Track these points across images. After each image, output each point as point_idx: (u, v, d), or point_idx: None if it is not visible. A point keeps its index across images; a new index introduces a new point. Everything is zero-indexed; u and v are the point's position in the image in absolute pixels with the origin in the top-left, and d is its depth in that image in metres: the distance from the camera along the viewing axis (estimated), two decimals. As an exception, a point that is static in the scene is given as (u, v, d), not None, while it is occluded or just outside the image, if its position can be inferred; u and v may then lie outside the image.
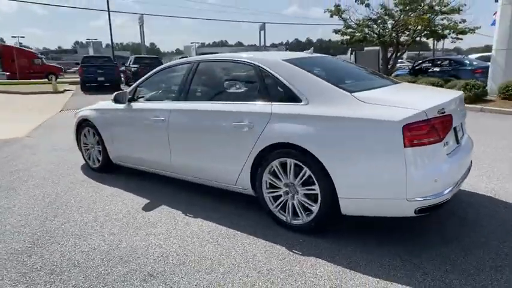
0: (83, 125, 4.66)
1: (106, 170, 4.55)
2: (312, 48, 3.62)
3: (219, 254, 2.56)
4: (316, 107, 2.60)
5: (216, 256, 2.53)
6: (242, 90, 3.20)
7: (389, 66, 14.10)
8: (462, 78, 11.28)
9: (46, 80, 22.77)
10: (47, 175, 4.57)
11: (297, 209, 2.76)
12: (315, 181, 2.59)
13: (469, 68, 12.24)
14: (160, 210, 3.37)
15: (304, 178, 2.66)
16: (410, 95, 3.01)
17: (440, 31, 13.30)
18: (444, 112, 2.42)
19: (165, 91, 4.04)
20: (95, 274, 2.36)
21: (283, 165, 2.77)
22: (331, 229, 2.78)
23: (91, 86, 17.67)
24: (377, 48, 21.38)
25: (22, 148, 6.09)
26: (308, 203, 2.69)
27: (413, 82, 9.44)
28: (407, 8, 12.76)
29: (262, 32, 59.16)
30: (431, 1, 12.57)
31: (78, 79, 18.67)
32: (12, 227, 3.12)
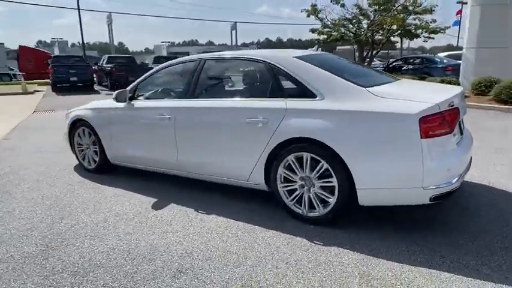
0: (77, 125, 4.53)
1: (102, 170, 4.45)
2: (316, 46, 3.72)
3: (243, 248, 2.60)
4: (332, 102, 2.69)
5: (240, 250, 2.57)
6: (254, 87, 3.25)
7: (365, 64, 14.57)
8: (434, 76, 11.85)
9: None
10: (40, 177, 4.41)
11: (314, 202, 2.84)
12: (333, 174, 2.68)
13: (440, 65, 12.88)
14: (171, 208, 3.36)
15: (321, 171, 2.75)
16: (419, 89, 3.17)
17: (413, 31, 13.90)
18: (453, 105, 2.58)
19: (169, 89, 4.01)
20: (122, 273, 2.34)
21: (299, 159, 2.85)
22: (347, 220, 2.88)
23: (63, 86, 17.03)
24: (349, 47, 21.97)
25: (3, 151, 5.82)
26: (325, 195, 2.78)
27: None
28: (382, 8, 13.23)
29: (233, 32, 59.14)
30: (405, 1, 13.12)
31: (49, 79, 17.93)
32: (18, 231, 3.00)
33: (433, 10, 12.97)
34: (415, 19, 13.75)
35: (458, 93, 2.79)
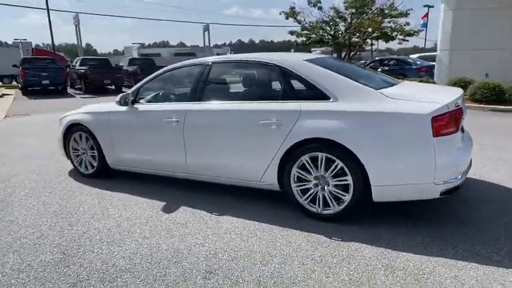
0: (73, 129, 4.42)
1: (100, 175, 4.38)
2: (320, 49, 3.84)
3: (265, 247, 2.66)
4: (346, 104, 2.82)
5: (263, 249, 2.64)
6: (265, 90, 3.32)
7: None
8: (409, 77, 12.38)
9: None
10: (35, 185, 4.27)
11: (328, 200, 2.95)
12: (348, 172, 2.80)
13: (415, 67, 13.48)
14: (183, 211, 3.37)
15: (336, 170, 2.86)
16: (424, 91, 3.36)
17: (389, 33, 14.46)
18: (458, 105, 2.78)
19: (175, 92, 4.00)
20: (151, 277, 2.35)
21: (313, 159, 2.95)
22: (360, 216, 3.01)
23: (34, 90, 16.34)
24: (323, 49, 22.46)
25: (-13, 158, 5.56)
26: (340, 193, 2.90)
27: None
28: (359, 11, 13.67)
29: (206, 33, 58.76)
30: (382, 5, 13.67)
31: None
32: (28, 239, 2.92)
33: (408, 14, 13.61)
34: (389, 22, 14.32)
35: (461, 94, 2.99)
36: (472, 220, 2.96)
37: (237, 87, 3.54)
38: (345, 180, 2.84)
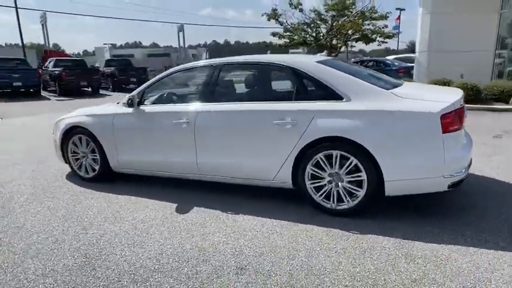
0: (72, 132, 4.33)
1: (101, 179, 4.32)
2: (325, 52, 3.98)
3: (288, 242, 2.76)
4: (360, 103, 2.96)
5: (287, 244, 2.73)
6: (278, 91, 3.41)
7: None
8: (387, 78, 12.85)
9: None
10: (33, 190, 4.16)
11: (342, 195, 3.09)
12: (362, 169, 2.95)
13: (394, 68, 14.03)
14: (197, 211, 3.40)
15: (350, 167, 3.00)
16: (430, 91, 3.57)
17: (370, 35, 14.97)
18: (462, 105, 2.99)
19: (183, 94, 4.02)
20: (183, 275, 2.38)
21: (327, 157, 3.08)
22: (372, 210, 3.17)
23: (4, 92, 15.59)
24: (300, 50, 22.85)
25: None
26: (354, 189, 3.04)
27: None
28: (340, 13, 14.08)
29: (181, 33, 58.12)
30: (362, 8, 14.15)
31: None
32: (43, 245, 2.86)
33: (388, 16, 14.15)
34: (368, 24, 14.83)
35: (462, 94, 3.22)
36: (473, 210, 3.19)
37: (249, 88, 3.61)
38: (359, 176, 2.99)
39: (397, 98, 2.94)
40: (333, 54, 15.60)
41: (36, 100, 14.92)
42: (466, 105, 3.26)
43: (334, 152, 3.02)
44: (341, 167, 3.04)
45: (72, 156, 4.43)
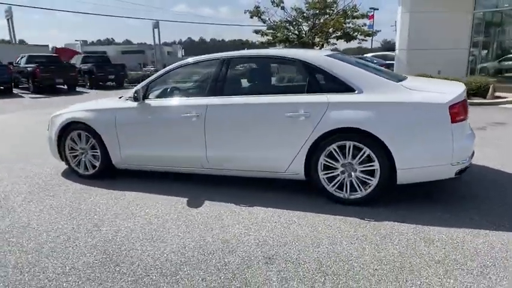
0: (71, 128, 4.19)
1: (102, 176, 4.21)
2: (333, 47, 4.05)
3: (309, 231, 2.81)
4: (372, 95, 3.05)
5: (308, 233, 2.78)
6: (290, 84, 3.45)
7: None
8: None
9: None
10: (29, 188, 4.00)
11: (355, 185, 3.17)
12: (375, 158, 3.04)
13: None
14: (210, 205, 3.38)
15: (363, 157, 3.09)
16: (435, 84, 3.70)
17: (351, 33, 15.29)
18: (465, 97, 3.14)
19: (192, 87, 3.98)
20: (213, 267, 2.38)
21: (340, 148, 3.15)
22: (384, 198, 3.27)
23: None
24: (280, 47, 23.04)
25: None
26: (367, 178, 3.13)
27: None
28: (322, 12, 14.30)
29: (156, 30, 56.91)
30: (344, 6, 14.44)
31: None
32: (55, 243, 2.77)
33: (368, 15, 14.47)
34: (349, 23, 15.16)
35: (465, 87, 3.37)
36: (477, 196, 3.37)
37: (260, 82, 3.62)
38: (372, 165, 3.08)
39: (407, 90, 3.05)
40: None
41: (8, 98, 14.22)
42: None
43: (348, 143, 3.10)
44: (354, 157, 3.12)
45: (70, 153, 4.28)
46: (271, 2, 14.40)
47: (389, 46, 39.80)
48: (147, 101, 3.83)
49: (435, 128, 2.94)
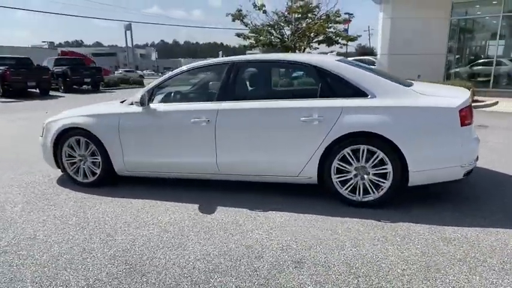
0: (69, 134, 4.03)
1: (102, 184, 4.08)
2: (335, 52, 4.14)
3: (330, 234, 2.84)
4: (385, 100, 3.14)
5: (329, 236, 2.81)
6: (302, 88, 3.48)
7: None
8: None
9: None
10: (25, 198, 3.81)
11: (368, 187, 3.25)
12: (388, 161, 3.13)
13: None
14: (222, 211, 3.35)
15: (376, 160, 3.17)
16: (442, 89, 3.85)
17: (334, 38, 15.61)
18: (470, 102, 3.30)
19: (198, 92, 3.92)
20: (243, 273, 2.36)
21: (353, 151, 3.22)
22: (395, 201, 3.36)
23: None
24: (257, 51, 23.18)
25: None
26: (380, 181, 3.21)
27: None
28: (304, 16, 14.52)
29: (128, 32, 55.67)
30: (327, 11, 14.72)
31: None
32: (71, 255, 2.66)
33: (350, 20, 14.88)
34: (330, 27, 15.48)
35: (470, 93, 3.54)
36: (480, 197, 3.54)
37: (272, 86, 3.63)
38: (385, 168, 3.16)
39: (418, 95, 3.17)
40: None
41: (-24, 102, 13.48)
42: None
43: (362, 147, 3.17)
44: (367, 160, 3.20)
45: (68, 160, 4.11)
46: (253, 5, 14.52)
47: (363, 51, 40.99)
48: (153, 106, 3.76)
49: (446, 131, 3.07)
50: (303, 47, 15.07)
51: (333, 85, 3.32)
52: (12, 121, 9.07)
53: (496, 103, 10.21)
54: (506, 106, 10.05)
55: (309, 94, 3.47)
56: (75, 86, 17.74)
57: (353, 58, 19.70)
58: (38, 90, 16.21)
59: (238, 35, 15.78)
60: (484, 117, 8.43)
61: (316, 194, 3.59)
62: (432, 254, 2.52)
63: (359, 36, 16.39)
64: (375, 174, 3.22)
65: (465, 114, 3.08)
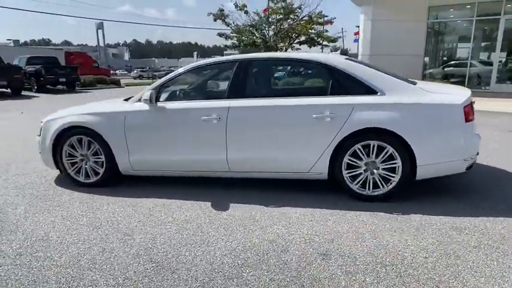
0: (71, 132, 3.91)
1: (105, 184, 3.99)
2: (339, 50, 4.24)
3: (348, 228, 2.93)
4: (395, 97, 3.27)
5: (348, 229, 2.90)
6: (313, 86, 3.55)
7: None
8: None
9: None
10: (26, 200, 3.68)
11: (378, 182, 3.37)
12: (397, 156, 3.26)
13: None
14: (237, 207, 3.37)
15: (386, 156, 3.29)
16: (445, 87, 4.02)
17: (316, 38, 15.86)
18: (471, 100, 3.49)
19: (207, 90, 3.90)
20: (274, 266, 2.40)
21: (364, 147, 3.33)
22: (401, 194, 3.50)
23: None
24: (236, 52, 23.24)
25: None
26: (389, 175, 3.34)
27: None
28: (286, 17, 14.68)
29: (100, 31, 54.05)
30: (310, 12, 14.93)
31: None
32: (92, 255, 2.60)
33: (333, 22, 15.19)
34: (312, 29, 15.73)
35: (470, 91, 3.73)
36: (479, 188, 3.75)
37: (282, 84, 3.68)
38: (394, 163, 3.29)
39: (424, 92, 3.32)
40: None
41: None
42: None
43: (372, 142, 3.29)
44: (377, 155, 3.32)
45: (69, 160, 3.99)
46: (235, 6, 14.53)
47: (342, 52, 41.84)
48: (160, 104, 3.72)
49: (452, 126, 3.23)
50: (284, 48, 15.25)
51: (344, 83, 3.42)
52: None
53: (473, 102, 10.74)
54: (479, 104, 10.60)
55: (320, 92, 3.55)
56: (49, 86, 17.05)
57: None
58: (9, 90, 15.46)
59: (220, 35, 15.75)
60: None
61: (325, 190, 3.68)
62: (448, 243, 2.66)
63: (339, 37, 16.82)
64: (384, 169, 3.34)
65: (468, 111, 3.26)
